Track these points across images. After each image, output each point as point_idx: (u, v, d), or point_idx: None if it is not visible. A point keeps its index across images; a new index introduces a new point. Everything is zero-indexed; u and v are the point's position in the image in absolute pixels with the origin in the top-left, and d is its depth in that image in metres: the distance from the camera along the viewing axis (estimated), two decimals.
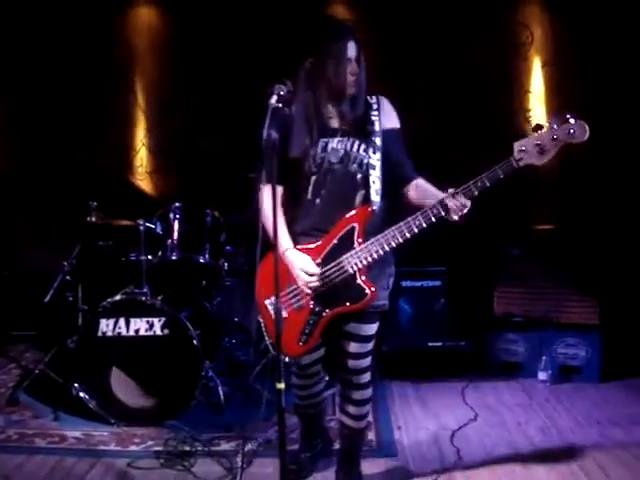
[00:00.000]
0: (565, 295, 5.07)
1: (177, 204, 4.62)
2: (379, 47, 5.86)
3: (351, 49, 3.03)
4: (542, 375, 4.88)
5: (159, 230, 4.60)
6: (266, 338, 3.24)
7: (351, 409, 3.35)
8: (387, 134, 3.15)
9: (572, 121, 2.80)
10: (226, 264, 4.75)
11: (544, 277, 5.12)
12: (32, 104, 6.05)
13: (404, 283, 5.16)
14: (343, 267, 3.06)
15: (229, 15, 5.83)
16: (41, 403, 4.53)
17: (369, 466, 3.61)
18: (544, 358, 4.89)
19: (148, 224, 4.57)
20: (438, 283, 5.19)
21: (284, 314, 3.15)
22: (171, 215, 4.59)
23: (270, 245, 2.95)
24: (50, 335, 5.07)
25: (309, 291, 3.09)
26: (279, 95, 2.85)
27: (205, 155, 5.04)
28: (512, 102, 5.76)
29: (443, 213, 2.93)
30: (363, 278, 3.06)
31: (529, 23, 5.79)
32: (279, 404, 2.75)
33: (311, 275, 3.05)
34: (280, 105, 2.85)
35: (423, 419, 4.36)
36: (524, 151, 2.84)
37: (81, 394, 4.23)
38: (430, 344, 5.06)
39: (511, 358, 5.05)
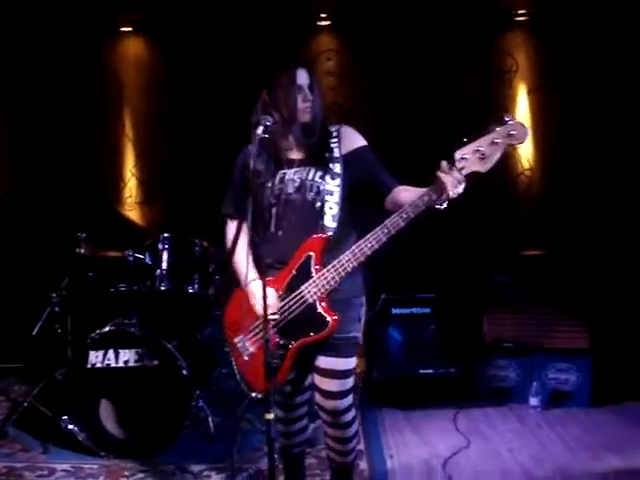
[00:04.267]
0: (555, 320, 5.07)
1: (166, 234, 4.61)
2: (364, 75, 5.94)
3: (301, 76, 3.01)
4: (533, 401, 4.87)
5: (148, 260, 4.60)
6: (238, 378, 3.21)
7: (336, 446, 3.28)
8: (354, 154, 3.09)
9: (511, 122, 2.67)
10: (215, 294, 4.74)
11: (533, 302, 5.12)
12: (21, 135, 6.07)
13: (394, 310, 5.16)
14: (303, 297, 2.99)
15: (217, 45, 5.88)
16: (30, 436, 4.49)
17: None
18: (535, 383, 4.88)
19: (137, 255, 4.58)
20: (428, 310, 5.18)
21: (251, 349, 3.13)
22: (160, 245, 4.58)
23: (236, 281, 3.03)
24: (39, 367, 5.04)
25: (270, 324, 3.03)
26: (265, 126, 2.88)
27: (202, 190, 5.02)
28: None
29: (392, 231, 2.83)
30: (324, 306, 2.97)
31: (513, 50, 5.86)
32: (268, 434, 2.73)
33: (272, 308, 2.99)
34: (266, 136, 2.88)
35: (415, 447, 4.34)
36: (465, 159, 2.69)
37: (70, 427, 4.20)
38: (421, 371, 5.04)
39: (502, 384, 5.04)
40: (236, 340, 3.18)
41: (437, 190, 2.74)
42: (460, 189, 2.72)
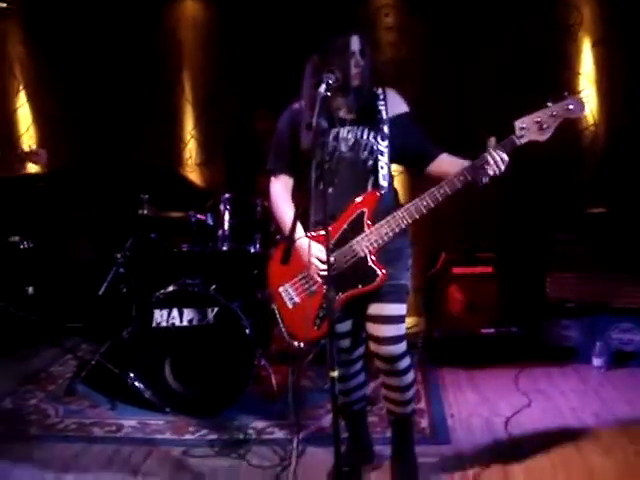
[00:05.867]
0: (619, 280, 4.98)
1: (227, 195, 4.64)
2: (425, 31, 5.83)
3: (354, 43, 3.07)
4: (597, 361, 4.81)
5: (210, 221, 4.65)
6: (280, 326, 3.28)
7: (393, 395, 3.34)
8: (398, 119, 3.20)
9: (569, 98, 2.90)
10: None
11: (597, 261, 5.03)
12: (82, 100, 6.12)
13: (455, 270, 5.13)
14: (354, 250, 3.10)
15: (275, 3, 5.83)
16: (98, 393, 4.63)
17: (422, 454, 3.58)
18: (598, 344, 4.82)
19: (199, 216, 4.63)
20: (489, 269, 5.13)
21: (297, 300, 3.23)
22: (221, 206, 4.62)
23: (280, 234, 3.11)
24: (105, 326, 5.16)
25: (320, 280, 3.12)
26: (327, 84, 2.88)
27: (260, 138, 4.97)
28: (562, 84, 5.65)
29: (449, 192, 2.97)
30: (374, 260, 3.09)
31: (578, 3, 5.68)
32: (333, 392, 2.76)
33: (323, 263, 3.03)
34: (329, 94, 2.88)
35: (476, 406, 4.34)
36: (525, 128, 2.91)
37: (136, 384, 4.31)
38: (482, 331, 5.03)
39: (565, 344, 4.99)
40: (280, 289, 3.26)
41: (479, 166, 2.93)
42: (502, 168, 2.92)
